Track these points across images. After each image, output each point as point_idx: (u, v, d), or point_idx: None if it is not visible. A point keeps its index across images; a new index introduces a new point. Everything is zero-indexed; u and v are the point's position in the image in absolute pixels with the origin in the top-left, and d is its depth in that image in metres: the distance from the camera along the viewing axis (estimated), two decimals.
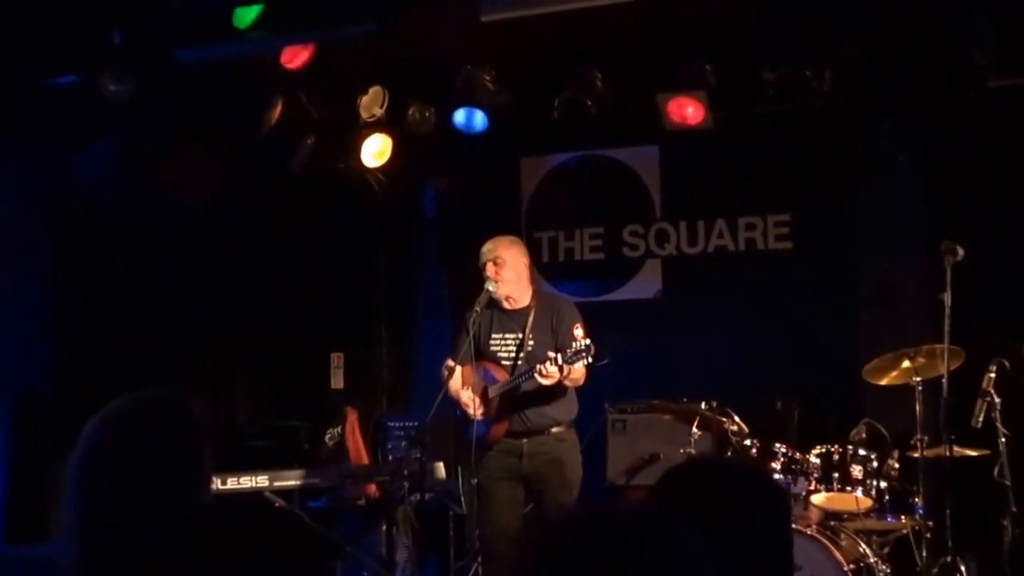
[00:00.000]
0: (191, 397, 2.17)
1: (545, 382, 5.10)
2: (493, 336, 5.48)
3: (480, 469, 5.39)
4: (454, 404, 5.49)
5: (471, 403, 5.39)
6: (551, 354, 5.08)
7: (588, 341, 5.09)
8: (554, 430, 5.38)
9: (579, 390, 5.45)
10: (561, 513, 1.34)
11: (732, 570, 1.77)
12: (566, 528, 1.25)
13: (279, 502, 5.58)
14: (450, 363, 5.43)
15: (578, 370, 5.16)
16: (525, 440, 5.36)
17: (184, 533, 1.66)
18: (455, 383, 5.46)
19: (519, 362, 5.38)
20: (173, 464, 2.06)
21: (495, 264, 5.43)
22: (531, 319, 5.42)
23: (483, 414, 5.37)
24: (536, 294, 5.60)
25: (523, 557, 1.25)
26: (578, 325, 5.32)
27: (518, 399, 5.33)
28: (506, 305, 5.48)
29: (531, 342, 5.38)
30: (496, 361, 5.46)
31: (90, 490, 2.02)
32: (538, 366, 5.07)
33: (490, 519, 5.39)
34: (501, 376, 5.41)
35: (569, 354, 5.04)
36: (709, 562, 1.29)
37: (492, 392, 5.39)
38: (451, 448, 6.17)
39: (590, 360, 5.06)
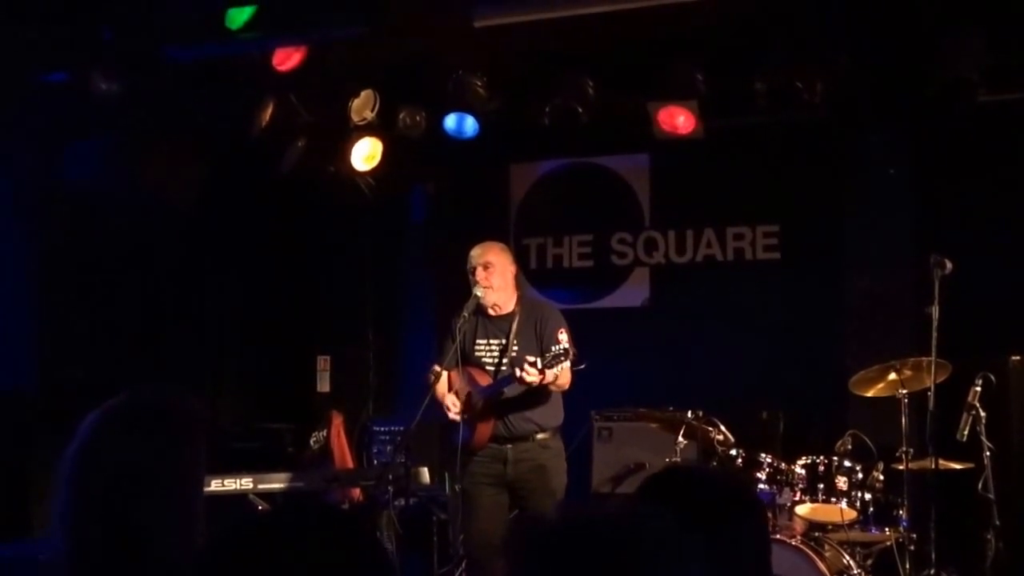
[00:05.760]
0: (190, 395, 2.14)
1: (527, 380, 5.08)
2: (478, 342, 5.47)
3: (465, 474, 5.37)
4: (439, 409, 5.48)
5: (452, 405, 5.37)
6: (530, 358, 5.05)
7: (567, 344, 5.08)
8: (539, 436, 5.36)
9: (565, 397, 5.44)
10: (547, 515, 1.32)
11: None
12: (553, 529, 1.24)
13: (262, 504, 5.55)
14: (436, 368, 5.41)
15: (563, 375, 5.15)
16: (510, 446, 5.35)
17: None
18: (441, 388, 5.44)
19: (503, 367, 5.36)
20: (170, 462, 2.03)
21: (484, 269, 5.40)
22: (515, 325, 5.40)
23: (465, 415, 5.34)
24: (521, 300, 5.57)
25: (509, 559, 1.24)
26: (562, 330, 5.30)
27: (503, 405, 5.31)
28: (491, 312, 5.47)
29: (515, 348, 5.36)
30: (481, 367, 5.44)
31: (84, 485, 1.98)
32: (516, 369, 5.06)
33: (474, 525, 5.37)
34: (485, 382, 5.39)
35: (548, 358, 5.03)
36: (696, 561, 1.28)
37: (476, 397, 5.36)
38: (436, 453, 6.17)
39: (568, 363, 5.04)
